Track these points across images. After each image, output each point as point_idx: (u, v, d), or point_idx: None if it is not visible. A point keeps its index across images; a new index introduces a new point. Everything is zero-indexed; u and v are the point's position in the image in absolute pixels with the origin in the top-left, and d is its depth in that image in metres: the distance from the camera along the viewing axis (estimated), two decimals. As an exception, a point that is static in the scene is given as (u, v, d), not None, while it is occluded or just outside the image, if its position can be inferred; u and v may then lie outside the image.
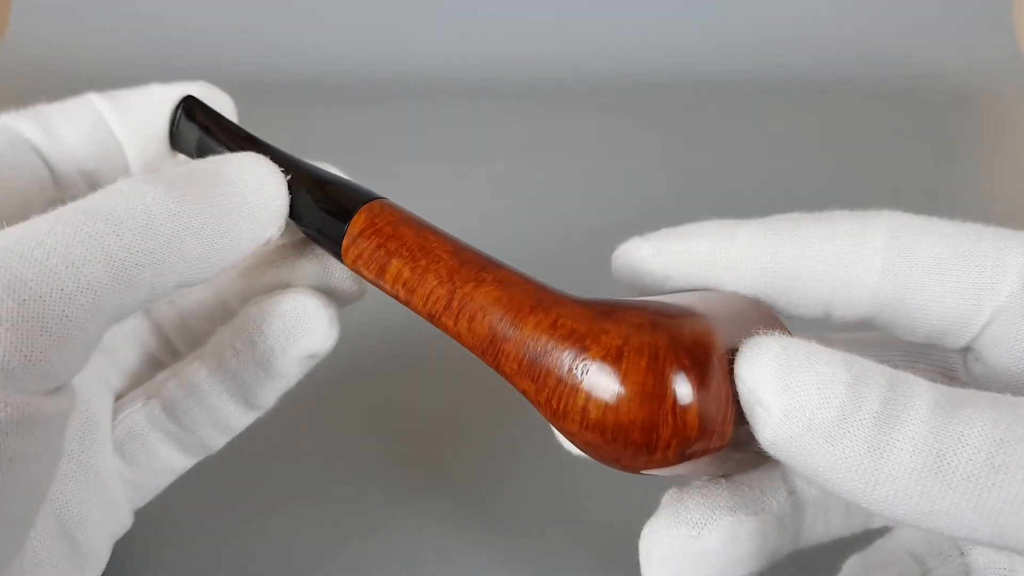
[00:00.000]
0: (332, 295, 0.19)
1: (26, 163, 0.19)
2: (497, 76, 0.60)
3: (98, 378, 0.19)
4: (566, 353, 0.14)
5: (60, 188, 0.20)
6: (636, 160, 0.49)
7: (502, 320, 0.15)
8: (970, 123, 0.56)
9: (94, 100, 0.20)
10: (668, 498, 0.16)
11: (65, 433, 0.15)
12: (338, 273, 0.19)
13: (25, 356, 0.13)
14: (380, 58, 0.62)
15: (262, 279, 0.20)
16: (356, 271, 0.17)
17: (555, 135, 0.52)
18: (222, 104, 0.21)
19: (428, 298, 0.16)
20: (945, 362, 0.18)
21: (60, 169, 0.20)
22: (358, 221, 0.17)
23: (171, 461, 0.19)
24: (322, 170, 0.19)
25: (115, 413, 0.19)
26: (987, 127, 0.56)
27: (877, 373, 0.13)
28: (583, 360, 0.13)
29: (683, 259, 0.17)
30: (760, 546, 0.16)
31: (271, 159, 0.18)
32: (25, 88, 0.60)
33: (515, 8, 0.64)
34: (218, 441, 0.19)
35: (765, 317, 0.17)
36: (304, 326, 0.18)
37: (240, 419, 0.19)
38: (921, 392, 0.13)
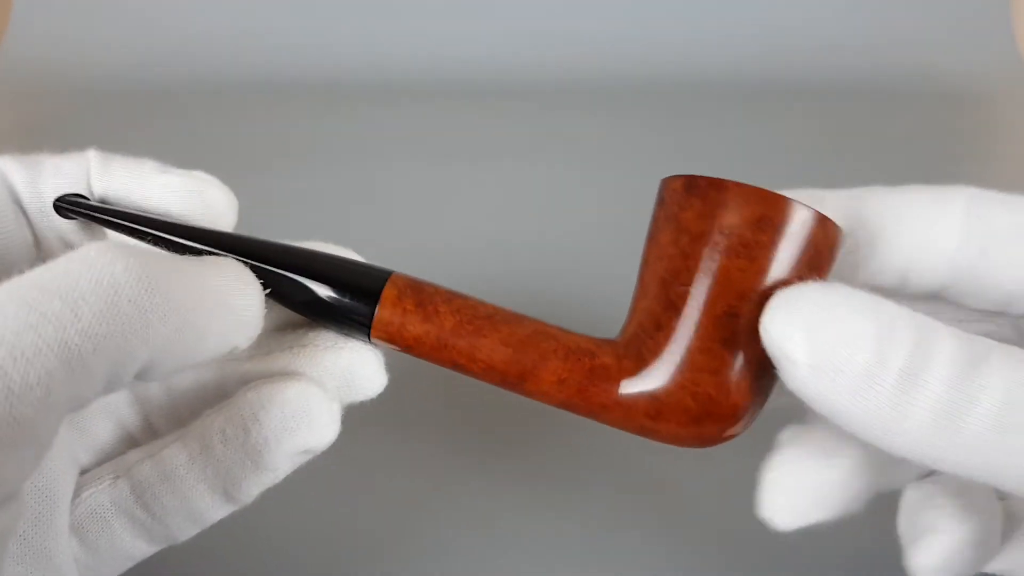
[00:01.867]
0: (348, 386, 0.18)
1: (13, 218, 0.18)
2: (497, 76, 0.60)
3: (62, 451, 0.17)
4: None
5: (41, 251, 0.19)
6: (636, 160, 0.49)
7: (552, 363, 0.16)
8: (969, 124, 0.56)
9: (90, 160, 0.18)
10: (790, 434, 0.17)
11: (6, 547, 0.13)
12: (362, 364, 0.18)
13: None
14: (380, 58, 0.62)
15: (271, 365, 0.18)
16: (392, 342, 0.17)
17: (555, 135, 0.52)
18: (220, 203, 0.19)
19: (491, 355, 0.16)
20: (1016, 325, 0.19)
21: (41, 234, 0.18)
22: (389, 296, 0.17)
23: (132, 549, 0.17)
24: (321, 254, 0.18)
25: (77, 490, 0.17)
26: (986, 128, 0.56)
27: (904, 326, 0.14)
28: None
29: None
30: (874, 479, 0.17)
31: (252, 260, 0.17)
32: (25, 88, 0.60)
33: (515, 8, 0.64)
34: (186, 532, 0.18)
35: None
36: (305, 418, 0.17)
37: (215, 512, 0.17)
38: (943, 349, 0.13)
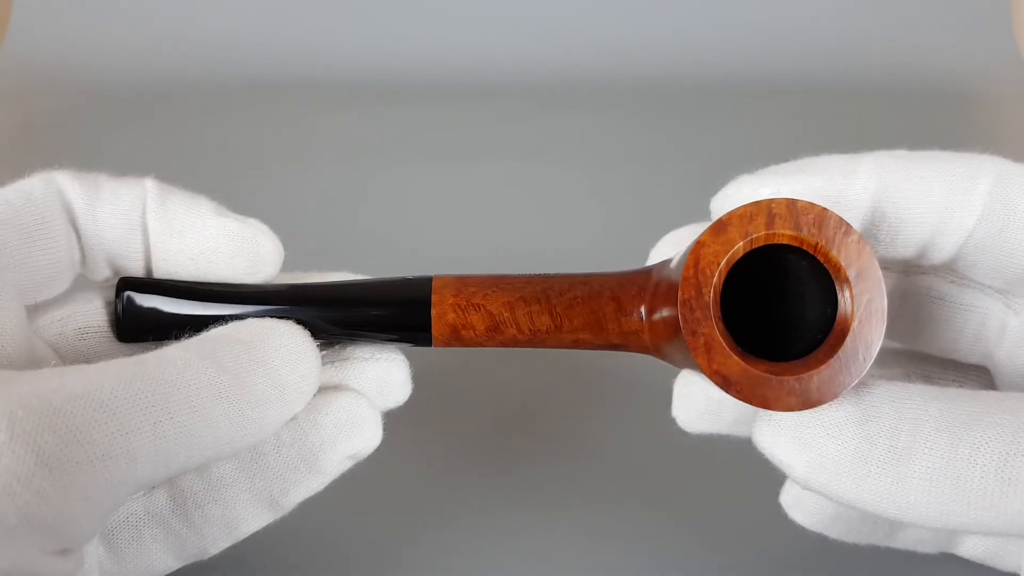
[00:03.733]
0: (382, 394, 0.19)
1: (64, 233, 0.18)
2: (497, 76, 0.60)
3: None
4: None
5: (87, 268, 0.19)
6: (636, 160, 0.49)
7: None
8: (969, 124, 0.56)
9: (148, 190, 0.19)
10: None
11: None
12: (396, 372, 0.19)
13: (54, 512, 0.12)
14: (380, 58, 0.62)
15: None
16: (450, 343, 0.18)
17: (555, 135, 0.52)
18: (266, 254, 0.20)
19: (532, 319, 0.18)
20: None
21: (89, 254, 0.19)
22: (440, 302, 0.18)
23: (157, 561, 0.18)
24: (359, 281, 0.20)
25: None
26: (986, 128, 0.56)
27: (884, 402, 0.15)
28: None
29: (803, 195, 0.17)
30: None
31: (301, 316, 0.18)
32: (25, 88, 0.60)
33: (515, 8, 0.64)
34: (219, 544, 0.18)
35: None
36: (357, 424, 0.18)
37: (255, 522, 0.18)
38: (928, 416, 0.14)
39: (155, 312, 0.19)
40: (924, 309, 0.19)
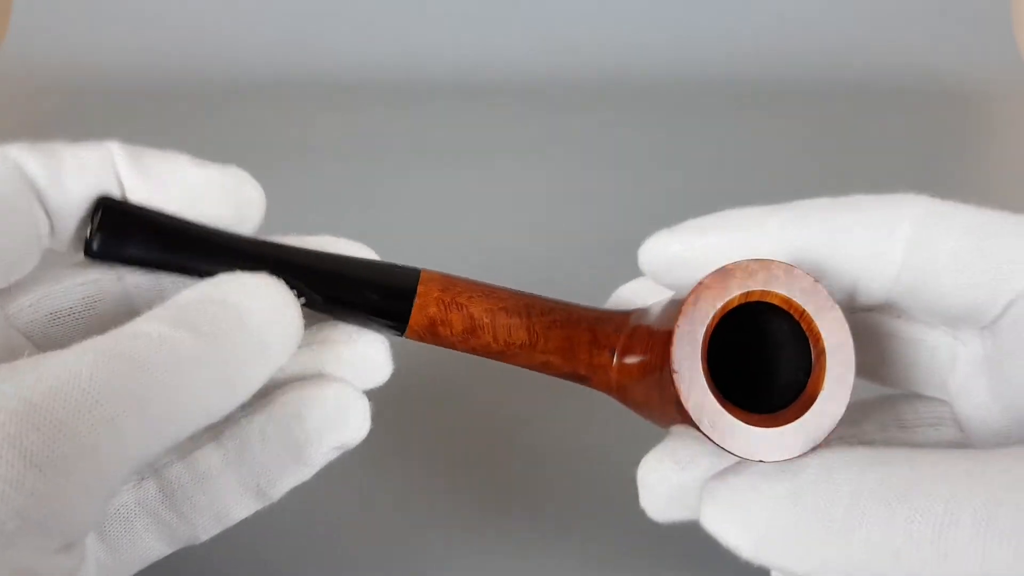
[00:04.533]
0: (361, 375, 0.19)
1: (27, 210, 0.18)
2: (497, 76, 0.60)
3: None
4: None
5: (55, 239, 0.19)
6: (636, 160, 0.49)
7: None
8: (969, 124, 0.56)
9: (115, 153, 0.18)
10: (661, 443, 0.18)
11: None
12: (374, 355, 0.19)
13: (51, 511, 0.12)
14: (380, 58, 0.62)
15: (295, 364, 0.19)
16: (423, 338, 0.19)
17: (555, 135, 0.52)
18: (251, 200, 0.20)
19: (510, 333, 0.18)
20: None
21: (58, 225, 0.18)
22: (425, 293, 0.18)
23: (151, 550, 0.18)
24: (350, 259, 0.19)
25: None
26: (986, 128, 0.56)
27: (818, 475, 0.15)
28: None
29: (715, 252, 0.18)
30: None
31: (280, 268, 0.18)
32: (25, 88, 0.60)
33: (516, 8, 0.64)
34: (210, 531, 0.18)
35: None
36: (344, 415, 0.18)
37: (244, 510, 0.18)
38: (864, 487, 0.14)
39: (134, 239, 0.18)
40: (875, 346, 0.19)
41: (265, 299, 0.17)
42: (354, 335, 0.19)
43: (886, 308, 0.19)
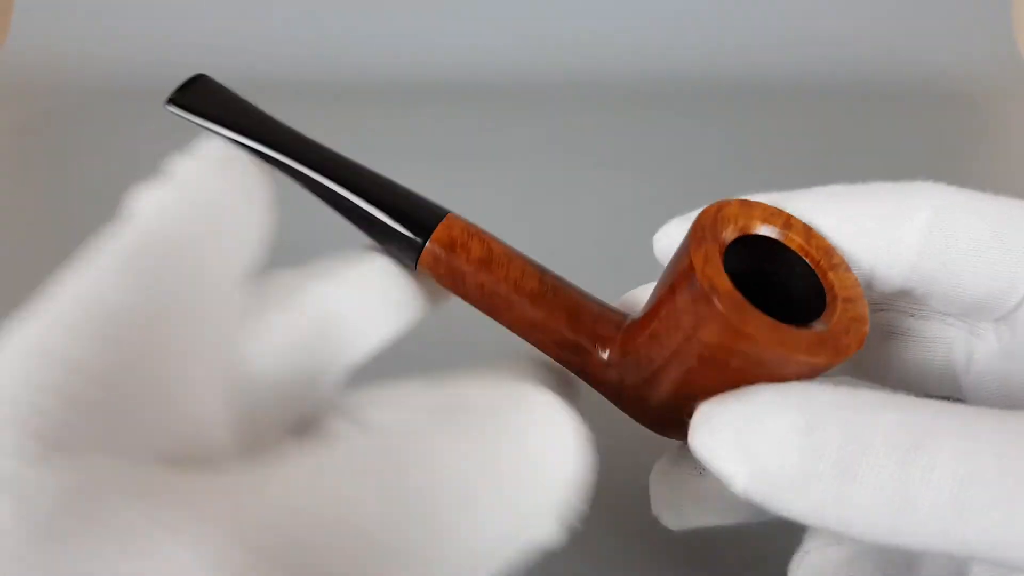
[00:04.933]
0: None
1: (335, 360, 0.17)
2: (497, 76, 0.60)
3: None
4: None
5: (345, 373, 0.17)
6: (636, 160, 0.49)
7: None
8: (970, 124, 0.56)
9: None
10: (676, 446, 0.17)
11: None
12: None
13: None
14: (380, 58, 0.62)
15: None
16: (437, 261, 0.19)
17: (555, 135, 0.52)
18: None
19: (523, 275, 0.18)
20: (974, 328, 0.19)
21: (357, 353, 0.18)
22: (454, 219, 0.19)
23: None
24: (389, 182, 0.20)
25: None
26: (987, 128, 0.56)
27: (832, 413, 0.13)
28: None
29: None
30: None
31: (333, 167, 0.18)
32: (25, 88, 0.60)
33: (515, 8, 0.64)
34: None
35: None
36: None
37: None
38: (878, 428, 0.13)
39: (209, 99, 0.20)
40: (888, 346, 0.19)
41: (554, 434, 0.13)
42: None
43: (902, 300, 0.18)
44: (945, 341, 0.18)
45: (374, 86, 0.59)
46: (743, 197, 0.17)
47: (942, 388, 0.19)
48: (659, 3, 0.64)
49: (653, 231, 0.19)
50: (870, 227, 0.17)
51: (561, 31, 0.64)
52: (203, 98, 0.20)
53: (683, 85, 0.59)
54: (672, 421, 0.16)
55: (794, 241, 0.16)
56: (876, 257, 0.17)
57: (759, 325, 0.14)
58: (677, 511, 0.17)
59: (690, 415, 0.15)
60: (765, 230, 0.16)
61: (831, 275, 0.15)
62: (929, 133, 0.53)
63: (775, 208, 0.16)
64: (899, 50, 0.62)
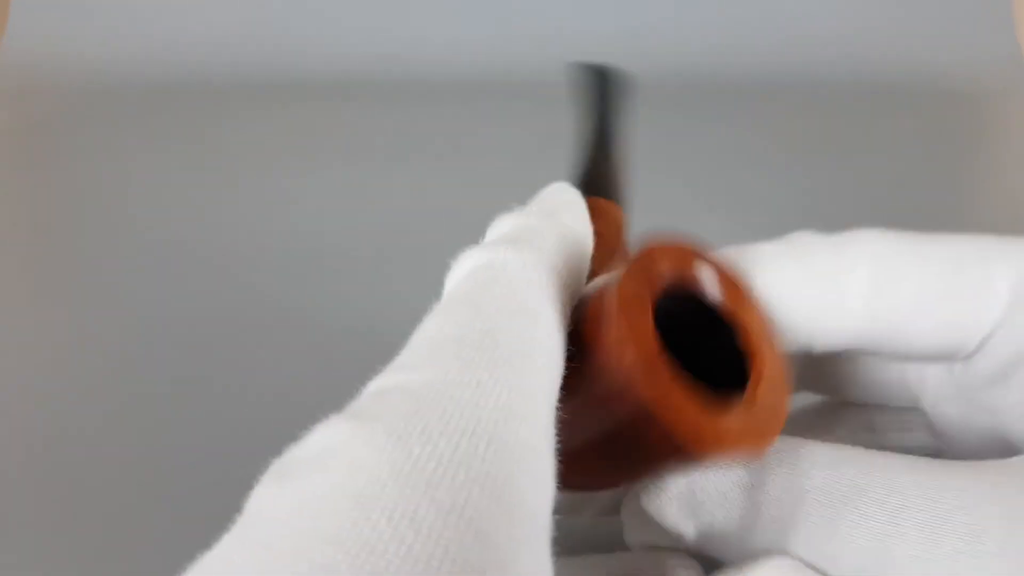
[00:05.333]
0: None
1: None
2: (497, 76, 0.60)
3: None
4: None
5: None
6: (636, 160, 0.49)
7: None
8: (970, 123, 0.55)
9: None
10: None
11: None
12: None
13: None
14: (380, 58, 0.62)
15: None
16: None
17: (555, 135, 0.52)
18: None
19: None
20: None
21: None
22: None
23: None
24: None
25: None
26: (987, 127, 0.56)
27: (772, 467, 0.14)
28: None
29: None
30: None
31: None
32: (25, 88, 0.60)
33: (515, 8, 0.64)
34: None
35: None
36: None
37: None
38: (812, 485, 0.14)
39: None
40: (843, 365, 0.18)
41: None
42: None
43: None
44: (896, 366, 0.18)
45: (374, 86, 0.59)
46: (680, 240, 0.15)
47: (903, 402, 0.19)
48: (659, 3, 0.64)
49: (650, 231, 0.19)
50: (806, 296, 0.16)
51: (560, 31, 0.64)
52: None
53: (683, 85, 0.59)
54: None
55: (730, 305, 0.14)
56: (815, 326, 0.16)
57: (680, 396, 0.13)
58: (640, 532, 0.17)
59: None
60: (702, 282, 0.15)
61: (762, 347, 0.14)
62: (930, 132, 0.53)
63: (717, 259, 0.15)
64: (900, 49, 0.62)
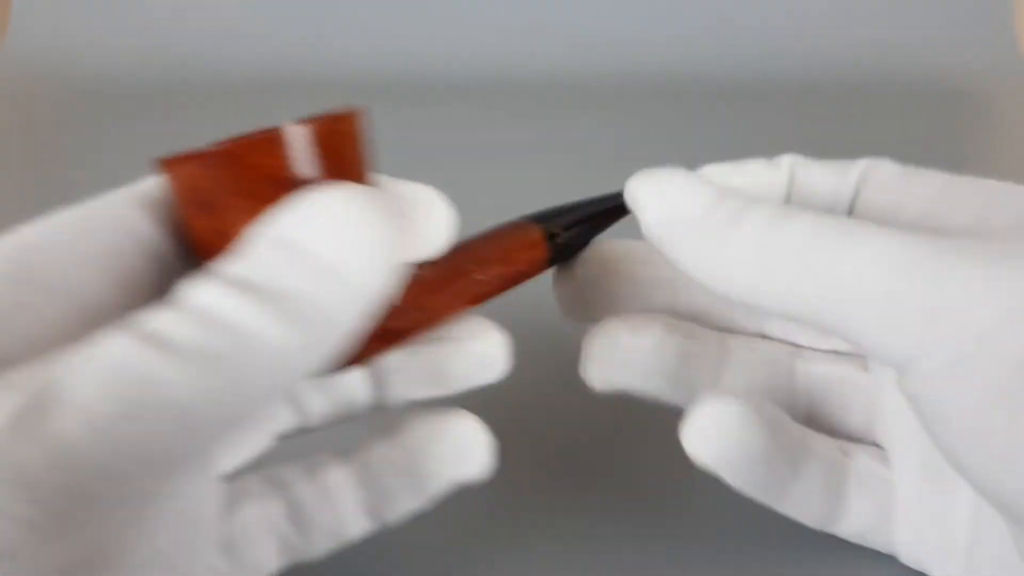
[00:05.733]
0: (481, 375, 0.19)
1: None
2: (497, 76, 0.60)
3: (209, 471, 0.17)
4: None
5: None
6: (636, 160, 0.49)
7: None
8: (970, 123, 0.56)
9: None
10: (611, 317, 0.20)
11: None
12: (495, 353, 0.19)
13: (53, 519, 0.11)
14: (380, 58, 0.62)
15: (414, 363, 0.18)
16: None
17: (555, 135, 0.52)
18: (443, 221, 0.20)
19: None
20: None
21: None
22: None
23: (269, 564, 0.18)
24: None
25: (232, 503, 0.17)
26: (987, 127, 0.56)
27: (739, 193, 0.17)
28: None
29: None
30: (679, 366, 0.19)
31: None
32: (25, 88, 0.60)
33: (515, 8, 0.64)
34: (325, 549, 0.18)
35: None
36: (470, 454, 0.18)
37: (361, 531, 0.18)
38: (766, 204, 0.16)
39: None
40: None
41: (344, 229, 0.12)
42: (479, 331, 0.19)
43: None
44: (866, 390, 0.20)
45: (374, 86, 0.59)
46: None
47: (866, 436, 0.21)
48: (659, 3, 0.64)
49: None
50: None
51: (561, 31, 0.64)
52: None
53: (683, 85, 0.59)
54: None
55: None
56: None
57: None
58: (602, 366, 0.19)
59: None
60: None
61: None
62: (930, 132, 0.53)
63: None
64: (900, 49, 0.62)
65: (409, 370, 0.19)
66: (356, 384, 0.19)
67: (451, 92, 0.58)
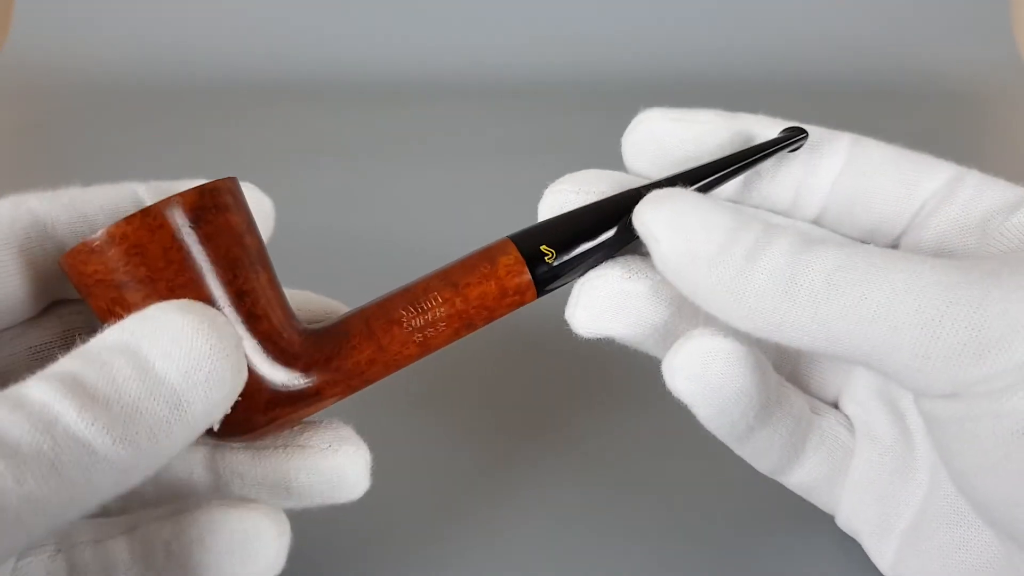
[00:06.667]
0: (333, 489, 0.17)
1: (49, 264, 0.17)
2: (497, 76, 0.60)
3: None
4: None
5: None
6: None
7: None
8: (969, 124, 0.56)
9: (139, 193, 0.18)
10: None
11: None
12: (352, 468, 0.17)
13: None
14: (380, 58, 0.62)
15: (258, 466, 0.17)
16: None
17: (555, 135, 0.52)
18: (264, 212, 0.19)
19: None
20: None
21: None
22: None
23: None
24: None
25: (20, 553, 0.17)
26: (986, 128, 0.56)
27: (756, 220, 0.16)
28: None
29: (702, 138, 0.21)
30: (666, 308, 0.19)
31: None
32: (26, 88, 0.60)
33: (515, 8, 0.64)
34: None
35: None
36: (252, 553, 0.16)
37: None
38: (786, 234, 0.15)
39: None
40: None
41: (185, 347, 0.13)
42: (334, 445, 0.17)
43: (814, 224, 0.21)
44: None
45: (374, 86, 0.59)
46: None
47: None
48: (659, 3, 0.64)
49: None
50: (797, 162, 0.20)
51: (561, 31, 0.64)
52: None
53: (683, 85, 0.59)
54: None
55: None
56: (805, 172, 0.20)
57: None
58: (591, 312, 0.18)
59: None
60: None
61: None
62: (929, 132, 0.53)
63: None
64: (899, 50, 0.62)
65: (253, 475, 0.17)
66: (192, 480, 0.18)
67: (451, 92, 0.58)
